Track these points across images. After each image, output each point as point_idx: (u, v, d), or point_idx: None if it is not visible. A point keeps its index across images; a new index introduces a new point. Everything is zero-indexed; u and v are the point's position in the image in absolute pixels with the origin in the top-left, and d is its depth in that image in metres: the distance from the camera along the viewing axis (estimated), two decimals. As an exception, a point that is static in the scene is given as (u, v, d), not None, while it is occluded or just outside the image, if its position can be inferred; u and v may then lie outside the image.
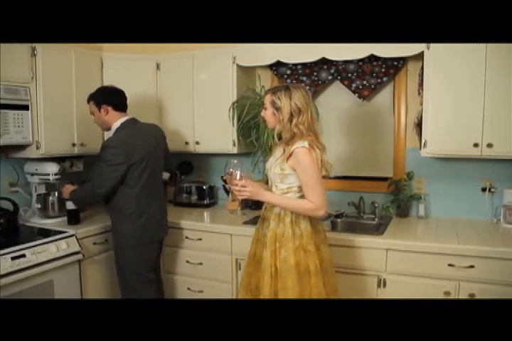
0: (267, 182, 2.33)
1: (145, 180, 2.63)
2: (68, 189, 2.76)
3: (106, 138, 3.13)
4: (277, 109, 2.07)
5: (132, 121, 2.71)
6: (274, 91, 2.11)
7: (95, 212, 3.20)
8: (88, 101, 2.74)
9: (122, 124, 2.67)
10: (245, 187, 2.05)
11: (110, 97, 2.69)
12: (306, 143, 2.00)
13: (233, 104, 3.19)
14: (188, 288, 3.10)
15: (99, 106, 2.66)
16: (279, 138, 2.19)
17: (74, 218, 2.86)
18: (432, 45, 2.61)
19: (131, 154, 2.54)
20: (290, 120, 2.05)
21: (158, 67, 3.45)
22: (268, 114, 2.13)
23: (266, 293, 2.09)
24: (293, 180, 2.09)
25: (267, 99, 2.12)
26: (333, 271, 2.26)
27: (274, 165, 2.13)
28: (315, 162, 2.00)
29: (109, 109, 2.66)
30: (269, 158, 2.27)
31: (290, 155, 2.04)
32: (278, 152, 2.16)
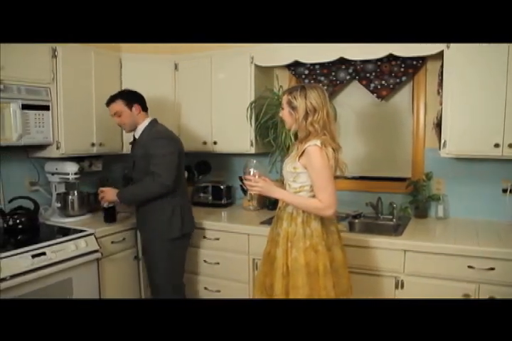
0: (283, 182, 2.33)
1: (182, 173, 2.74)
2: (112, 191, 2.71)
3: (125, 139, 3.20)
4: (293, 108, 2.08)
5: (155, 122, 2.75)
6: (290, 91, 2.12)
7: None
8: (113, 101, 2.69)
9: (150, 123, 2.72)
10: (258, 182, 2.06)
11: (139, 98, 2.74)
12: (318, 142, 2.00)
13: (251, 104, 3.19)
14: (205, 288, 3.11)
15: (131, 105, 2.67)
16: (296, 137, 2.18)
17: (111, 216, 2.87)
18: (451, 44, 2.56)
19: (177, 144, 2.66)
20: (305, 118, 2.05)
21: (176, 67, 3.47)
22: (285, 113, 2.14)
23: (278, 292, 2.11)
24: (305, 178, 2.09)
25: (284, 99, 2.13)
26: (346, 272, 2.25)
27: (288, 163, 2.14)
28: (326, 161, 2.00)
29: (140, 108, 2.70)
30: (286, 158, 2.28)
31: (302, 153, 2.04)
32: (293, 151, 2.17)
